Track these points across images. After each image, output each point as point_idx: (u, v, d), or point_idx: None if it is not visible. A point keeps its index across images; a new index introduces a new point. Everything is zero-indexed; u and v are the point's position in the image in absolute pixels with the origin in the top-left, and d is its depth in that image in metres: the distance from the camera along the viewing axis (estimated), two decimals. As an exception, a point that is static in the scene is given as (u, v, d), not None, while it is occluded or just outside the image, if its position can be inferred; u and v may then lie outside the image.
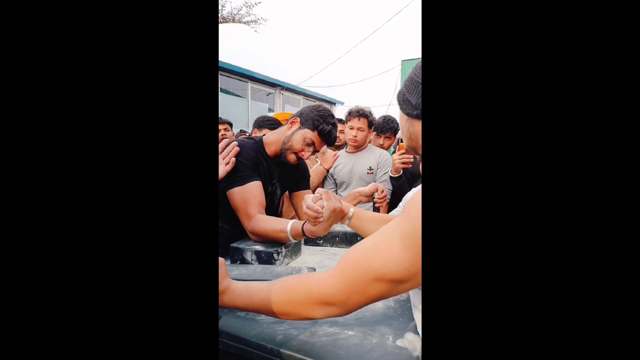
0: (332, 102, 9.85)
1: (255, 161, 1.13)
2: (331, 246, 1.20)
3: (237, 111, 7.37)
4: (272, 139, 1.21)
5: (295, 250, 1.04)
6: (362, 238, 0.96)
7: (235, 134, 3.28)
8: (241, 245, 0.98)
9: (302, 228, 0.94)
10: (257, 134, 2.07)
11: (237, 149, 1.07)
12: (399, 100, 0.59)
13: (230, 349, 0.59)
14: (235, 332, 0.59)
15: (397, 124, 2.03)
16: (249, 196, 1.06)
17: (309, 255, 1.10)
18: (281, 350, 0.54)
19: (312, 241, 1.21)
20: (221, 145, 1.08)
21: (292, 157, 1.17)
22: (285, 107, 8.72)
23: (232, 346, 0.59)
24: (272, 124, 2.07)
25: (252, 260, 0.95)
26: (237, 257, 0.97)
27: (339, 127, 1.95)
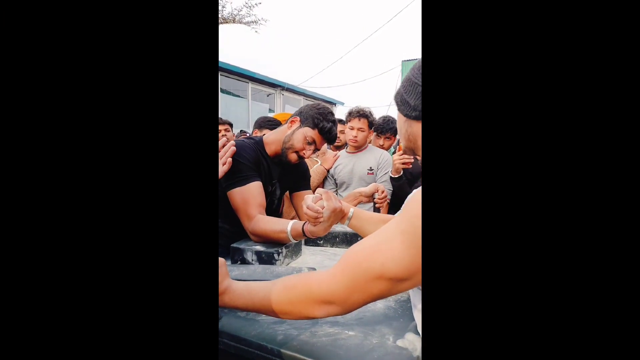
0: (332, 103, 9.85)
1: (256, 161, 1.13)
2: (331, 246, 1.20)
3: (237, 111, 7.38)
4: (272, 139, 1.21)
5: (295, 251, 1.04)
6: (362, 238, 0.96)
7: (235, 134, 3.28)
8: (242, 246, 0.98)
9: (303, 228, 0.94)
10: (258, 134, 2.07)
11: (234, 149, 1.06)
12: (396, 102, 0.59)
13: (231, 349, 0.59)
14: (235, 332, 0.59)
15: (397, 124, 2.02)
16: (249, 197, 1.06)
17: (310, 255, 1.10)
18: (282, 350, 0.54)
19: (312, 241, 1.21)
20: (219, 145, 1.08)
21: (293, 157, 1.17)
22: (286, 108, 8.72)
23: (232, 346, 0.59)
24: (272, 124, 2.07)
25: (252, 260, 0.95)
26: (238, 258, 0.97)
27: (339, 127, 1.95)
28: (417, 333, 0.58)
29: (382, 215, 0.93)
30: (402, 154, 1.61)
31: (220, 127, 2.73)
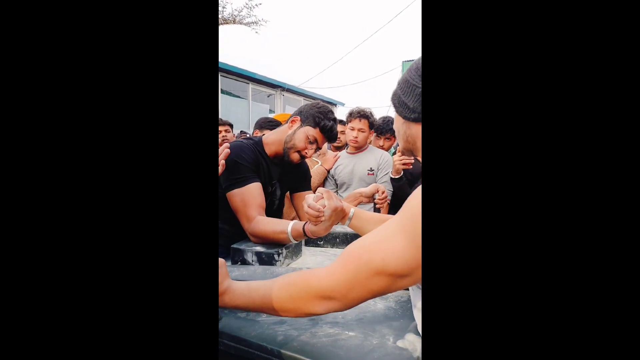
0: (333, 103, 9.86)
1: (255, 162, 1.13)
2: (332, 247, 1.20)
3: (237, 112, 7.39)
4: (271, 139, 1.20)
5: (295, 251, 1.04)
6: (362, 239, 0.96)
7: (236, 135, 3.29)
8: (242, 246, 0.98)
9: (304, 228, 0.94)
10: (258, 134, 2.07)
11: (227, 151, 1.02)
12: (394, 103, 0.59)
13: (231, 350, 0.59)
14: (235, 333, 0.59)
15: (397, 125, 2.02)
16: (248, 198, 1.06)
17: (310, 256, 1.10)
18: (282, 351, 0.54)
19: (312, 242, 1.21)
20: None
21: (295, 156, 1.17)
22: (286, 109, 8.73)
23: (232, 347, 0.59)
24: (273, 125, 2.07)
25: (252, 261, 0.95)
26: (238, 258, 0.97)
27: (340, 128, 1.95)
28: (417, 334, 0.58)
29: (383, 216, 0.93)
30: (401, 155, 1.61)
31: (221, 128, 2.74)
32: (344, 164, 1.99)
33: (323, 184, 2.01)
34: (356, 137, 1.93)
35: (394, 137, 2.11)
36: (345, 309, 0.53)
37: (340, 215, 0.89)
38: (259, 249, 0.96)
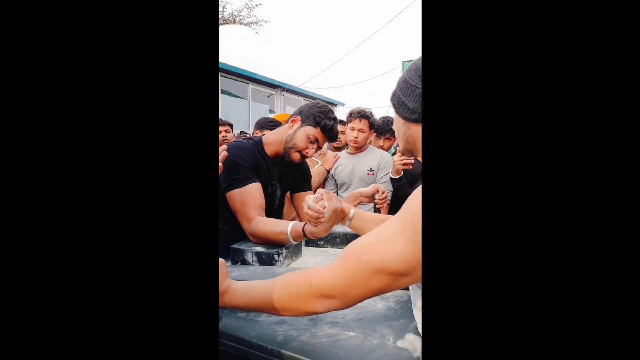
0: (333, 103, 9.86)
1: (255, 162, 1.13)
2: (332, 247, 1.20)
3: (238, 112, 7.39)
4: (272, 139, 1.20)
5: (295, 252, 1.04)
6: (362, 239, 0.96)
7: (236, 135, 3.29)
8: (242, 247, 0.98)
9: (303, 229, 0.94)
10: (259, 135, 2.07)
11: (225, 153, 1.00)
12: (393, 104, 0.59)
13: (231, 350, 0.59)
14: (235, 333, 0.59)
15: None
16: (248, 198, 1.06)
17: (310, 256, 1.10)
18: (282, 351, 0.54)
19: (312, 242, 1.21)
20: None
21: (296, 156, 1.17)
22: (286, 109, 8.73)
23: (232, 347, 0.59)
24: (273, 125, 2.07)
25: (252, 261, 0.95)
26: (238, 259, 0.97)
27: (340, 128, 1.95)
28: (417, 334, 0.58)
29: (383, 216, 0.93)
30: (401, 155, 1.61)
31: (221, 128, 2.74)
32: (344, 164, 1.99)
33: (323, 184, 2.01)
34: (356, 137, 1.93)
35: (394, 137, 2.11)
36: (346, 308, 0.53)
37: (340, 216, 0.90)
38: (259, 249, 0.96)
